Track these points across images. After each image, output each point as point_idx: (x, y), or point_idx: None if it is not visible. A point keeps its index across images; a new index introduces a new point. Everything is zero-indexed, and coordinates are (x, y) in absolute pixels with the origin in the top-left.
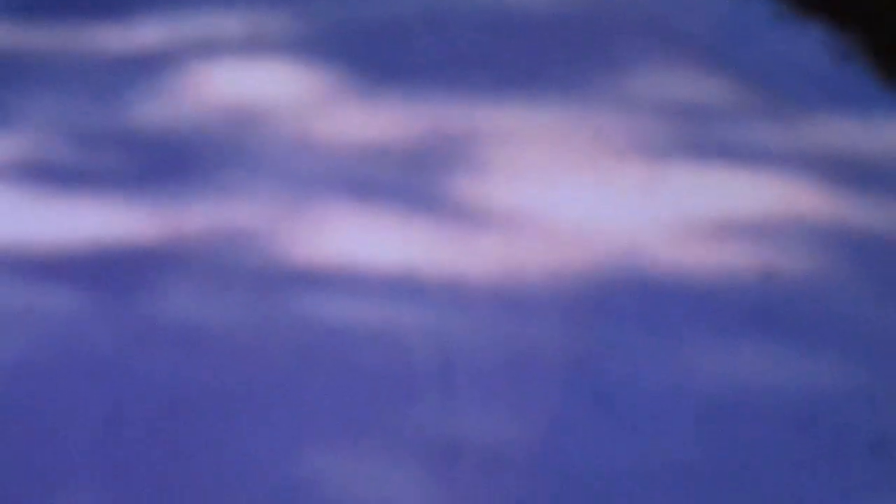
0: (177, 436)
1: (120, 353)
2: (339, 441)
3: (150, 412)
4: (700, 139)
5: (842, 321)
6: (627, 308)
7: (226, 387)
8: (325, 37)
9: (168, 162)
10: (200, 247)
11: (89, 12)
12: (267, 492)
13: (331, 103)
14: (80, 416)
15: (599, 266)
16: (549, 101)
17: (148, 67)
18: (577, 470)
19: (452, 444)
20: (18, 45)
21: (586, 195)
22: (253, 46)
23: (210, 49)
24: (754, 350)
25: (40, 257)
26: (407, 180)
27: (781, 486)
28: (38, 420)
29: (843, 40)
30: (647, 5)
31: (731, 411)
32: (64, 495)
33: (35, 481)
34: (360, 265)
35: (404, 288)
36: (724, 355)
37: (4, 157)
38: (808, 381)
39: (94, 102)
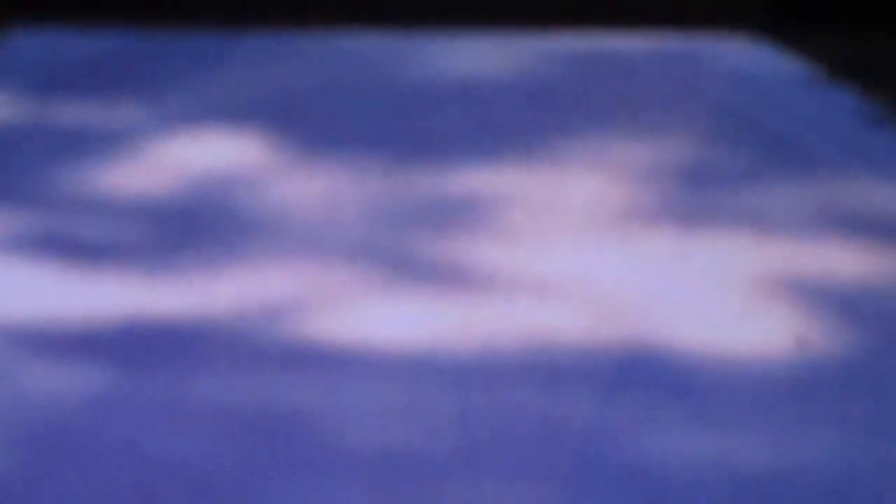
0: None
1: (146, 430)
2: None
3: (176, 490)
4: (730, 204)
5: (877, 393)
6: (658, 379)
7: (252, 465)
8: (327, 106)
9: (189, 234)
10: (224, 322)
11: (105, 92)
12: None
13: (338, 170)
14: (108, 493)
15: (629, 336)
16: (573, 169)
17: (162, 141)
18: None
19: None
20: (40, 120)
21: (616, 263)
22: (250, 119)
23: (227, 122)
24: (787, 422)
25: (66, 334)
26: (430, 250)
27: None
28: (63, 498)
29: (874, 104)
30: (669, 72)
31: (765, 486)
32: None
33: None
34: (385, 341)
35: (430, 364)
36: (756, 427)
37: (25, 232)
38: (843, 454)
39: (109, 177)
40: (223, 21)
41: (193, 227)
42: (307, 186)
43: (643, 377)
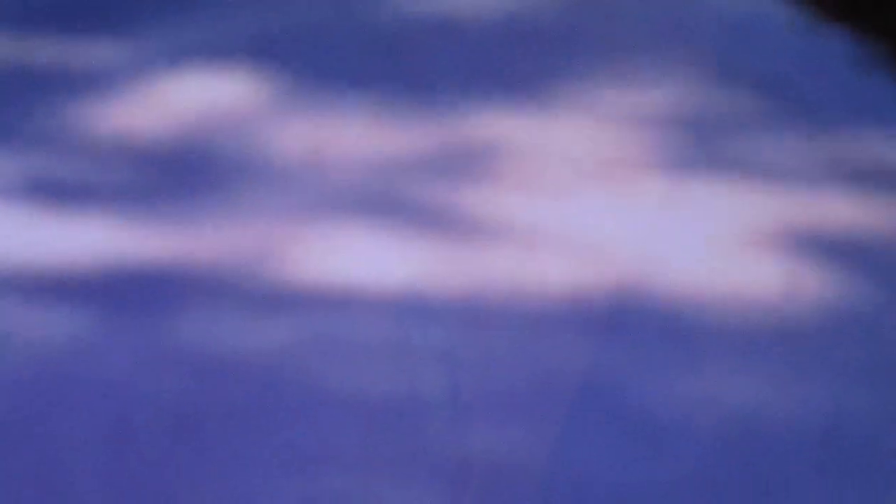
0: (184, 456)
1: (127, 372)
2: (349, 463)
3: (156, 432)
4: (719, 152)
5: (867, 338)
6: (646, 326)
7: (234, 408)
8: (320, 45)
9: (173, 177)
10: (209, 266)
11: (77, 26)
12: None
13: (330, 113)
14: (86, 435)
15: (617, 283)
16: (564, 114)
17: (144, 81)
18: (593, 488)
19: (464, 466)
20: (17, 60)
21: (603, 210)
22: (239, 58)
23: (207, 61)
24: (777, 367)
25: (47, 277)
26: (417, 195)
27: (806, 496)
28: (45, 439)
29: (866, 49)
30: (661, 16)
31: (752, 428)
32: None
33: (40, 499)
34: (370, 284)
35: (415, 308)
36: (745, 372)
37: (8, 174)
38: (832, 398)
39: (86, 116)
40: None
41: (176, 169)
42: (292, 129)
43: (631, 321)
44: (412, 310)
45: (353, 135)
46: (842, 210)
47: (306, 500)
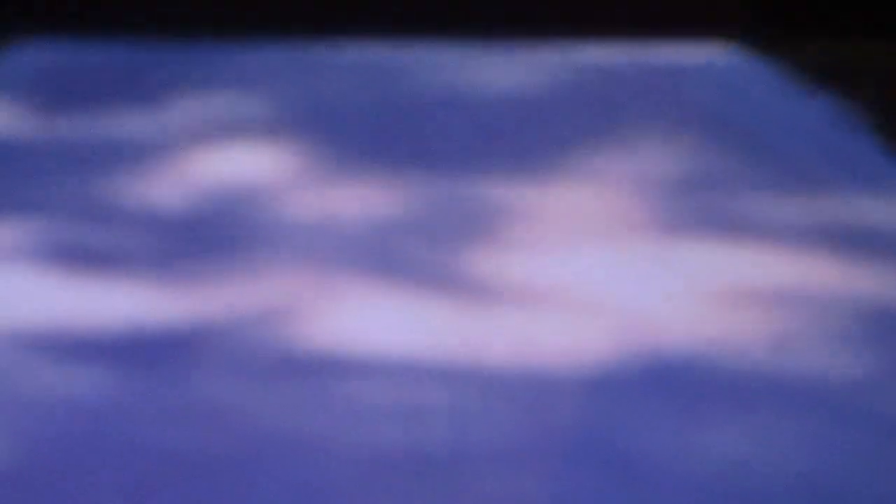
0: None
1: (146, 428)
2: None
3: (175, 483)
4: (711, 212)
5: (854, 392)
6: (642, 380)
7: (249, 462)
8: (337, 118)
9: (192, 243)
10: (224, 327)
11: (112, 101)
12: None
13: (345, 181)
14: (111, 485)
15: (614, 340)
16: (564, 180)
17: (168, 153)
18: None
19: None
20: (48, 134)
21: (601, 270)
22: (259, 131)
23: (221, 135)
24: (765, 416)
25: (71, 337)
26: (425, 257)
27: None
28: (68, 492)
29: (850, 110)
30: (658, 82)
31: (740, 471)
32: None
33: None
34: (378, 346)
35: (422, 366)
36: (734, 423)
37: (34, 240)
38: (821, 452)
39: (118, 185)
40: (226, 32)
41: (198, 236)
42: (310, 198)
43: (630, 376)
44: (419, 370)
45: (364, 200)
46: (828, 268)
47: None
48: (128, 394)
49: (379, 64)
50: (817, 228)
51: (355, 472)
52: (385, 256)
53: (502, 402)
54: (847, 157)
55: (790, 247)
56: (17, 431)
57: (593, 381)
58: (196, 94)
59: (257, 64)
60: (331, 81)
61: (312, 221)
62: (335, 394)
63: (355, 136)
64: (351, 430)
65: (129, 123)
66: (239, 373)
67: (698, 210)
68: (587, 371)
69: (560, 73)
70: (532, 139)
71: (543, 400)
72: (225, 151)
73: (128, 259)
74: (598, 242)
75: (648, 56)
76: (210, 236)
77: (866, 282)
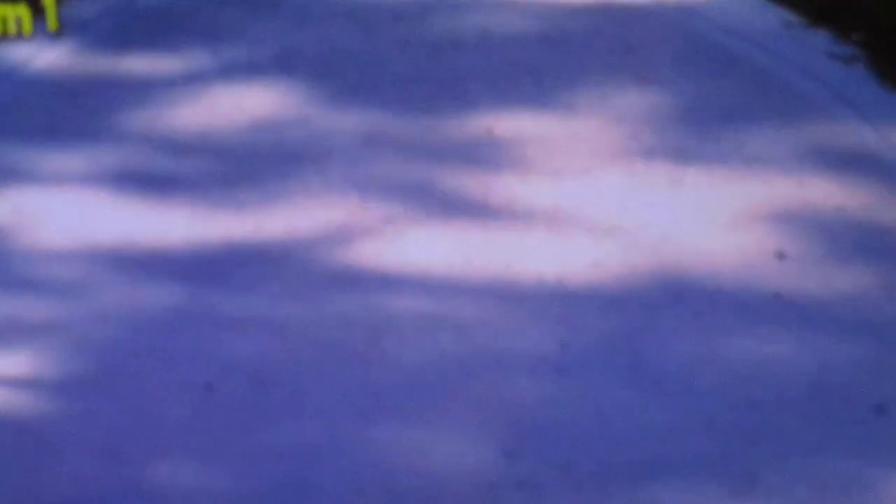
0: (262, 406)
1: (212, 336)
2: (403, 414)
3: (238, 386)
4: (719, 141)
5: (848, 299)
6: (657, 292)
7: (305, 366)
8: (383, 53)
9: (250, 168)
10: (280, 246)
11: (170, 40)
12: (345, 457)
13: (386, 115)
14: (178, 389)
15: (631, 255)
16: (584, 110)
17: (223, 88)
18: (616, 428)
19: (509, 414)
20: (110, 70)
21: (620, 192)
22: (310, 67)
23: (275, 70)
24: (769, 324)
25: (141, 254)
26: (454, 182)
27: (794, 441)
28: (143, 393)
29: (847, 46)
30: (670, 20)
31: (749, 377)
32: (165, 456)
33: (139, 446)
34: (423, 260)
35: (462, 280)
36: (742, 330)
37: (104, 166)
38: (818, 351)
39: (181, 117)
40: None
41: (255, 163)
42: (349, 126)
43: (642, 288)
44: (452, 285)
45: (399, 130)
46: (825, 190)
47: (363, 445)
48: (192, 306)
49: (409, 5)
50: (814, 153)
51: (399, 378)
52: (416, 182)
53: (532, 316)
54: (843, 88)
55: (792, 171)
56: (93, 340)
57: (613, 295)
58: (252, 30)
59: (294, 7)
60: (366, 25)
61: (361, 152)
62: (380, 306)
63: (386, 70)
64: (394, 336)
65: (188, 60)
66: (293, 288)
67: (707, 139)
68: (607, 287)
69: (574, 13)
70: (554, 73)
71: (569, 313)
72: (278, 86)
73: (191, 184)
74: (616, 169)
75: None
76: (266, 164)
77: (864, 204)
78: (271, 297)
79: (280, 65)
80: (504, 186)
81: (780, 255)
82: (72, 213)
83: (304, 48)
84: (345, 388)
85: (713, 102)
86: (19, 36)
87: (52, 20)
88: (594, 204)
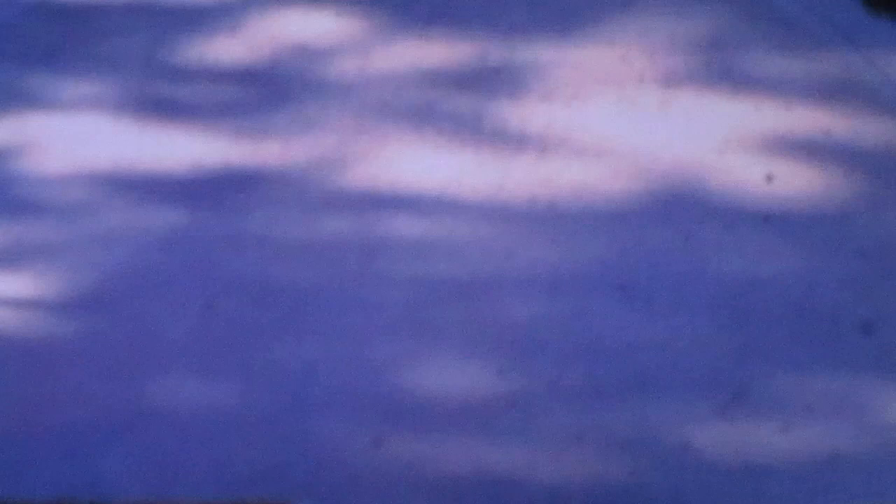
0: (262, 324)
1: (211, 256)
2: (401, 331)
3: (238, 304)
4: (709, 66)
5: (834, 219)
6: (647, 213)
7: (304, 285)
8: None
9: (247, 95)
10: (279, 169)
11: None
12: (341, 371)
13: (382, 42)
14: (179, 307)
15: (622, 177)
16: (579, 34)
17: (227, 13)
18: (604, 345)
19: (500, 333)
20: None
21: (611, 116)
22: None
23: (274, 1)
24: (758, 244)
25: (141, 177)
26: (455, 106)
27: (782, 357)
28: (144, 312)
29: None
30: None
31: (738, 295)
32: (166, 373)
33: (142, 362)
34: (417, 183)
35: (455, 202)
36: (732, 249)
37: (106, 91)
38: (806, 270)
39: (182, 43)
40: None
41: (255, 90)
42: (354, 56)
43: (633, 209)
44: (445, 206)
45: (400, 59)
46: (812, 113)
47: (358, 363)
48: (193, 226)
49: None
50: (804, 78)
51: (393, 298)
52: (418, 107)
53: (523, 237)
54: (830, 13)
55: (780, 96)
56: (94, 261)
57: (604, 216)
58: None
59: None
60: None
61: (356, 78)
62: (377, 226)
63: (407, 4)
64: (391, 255)
65: None
66: (291, 209)
67: (697, 64)
68: (598, 208)
69: None
70: (549, 3)
71: (560, 234)
72: (278, 15)
73: (192, 109)
74: (609, 91)
75: None
76: (266, 91)
77: (850, 127)
78: (269, 217)
79: None
80: (495, 110)
81: (769, 178)
82: (72, 136)
83: None
84: (340, 307)
85: (702, 28)
86: None
87: None
88: (585, 127)
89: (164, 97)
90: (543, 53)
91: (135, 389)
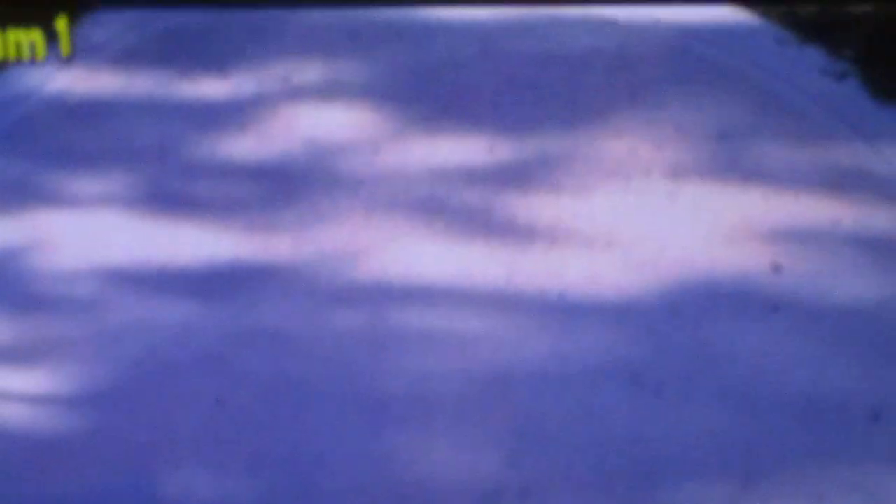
0: (272, 421)
1: (222, 353)
2: (411, 423)
3: (248, 402)
4: (716, 157)
5: (843, 309)
6: (656, 304)
7: (314, 381)
8: (393, 78)
9: (258, 190)
10: (291, 265)
11: (186, 63)
12: (352, 464)
13: (396, 135)
14: (189, 405)
15: (631, 269)
16: (587, 126)
17: (239, 110)
18: (616, 437)
19: (511, 424)
20: (124, 93)
21: (619, 208)
22: (328, 90)
23: (293, 93)
24: (767, 334)
25: (153, 273)
26: (464, 199)
27: (791, 447)
28: (153, 409)
29: (839, 61)
30: (664, 36)
31: (746, 388)
32: (177, 467)
33: (150, 460)
34: (427, 276)
35: (465, 294)
36: (740, 340)
37: (118, 188)
38: (814, 360)
39: (193, 139)
40: None
41: (266, 187)
42: (382, 150)
43: (640, 303)
44: (456, 300)
45: (407, 149)
46: (820, 204)
47: (369, 454)
48: (204, 321)
49: (418, 26)
50: (811, 169)
51: (404, 390)
52: (431, 203)
53: (533, 329)
54: (836, 103)
55: (787, 186)
56: (106, 356)
57: (612, 308)
58: (263, 57)
59: (318, 27)
60: (387, 44)
61: (366, 173)
62: (388, 322)
63: (402, 96)
64: (403, 350)
65: (202, 85)
66: (302, 303)
67: (704, 155)
68: (607, 300)
69: (579, 35)
70: (560, 92)
71: (569, 327)
72: (288, 111)
73: (203, 204)
74: (614, 185)
75: (662, 16)
76: (277, 185)
77: (858, 217)
78: (281, 314)
79: (294, 91)
80: (505, 203)
81: (777, 268)
82: (85, 232)
83: (318, 75)
84: (351, 400)
85: (709, 119)
86: (33, 61)
87: (65, 45)
88: (593, 218)
89: (175, 193)
90: (552, 146)
91: (146, 484)
